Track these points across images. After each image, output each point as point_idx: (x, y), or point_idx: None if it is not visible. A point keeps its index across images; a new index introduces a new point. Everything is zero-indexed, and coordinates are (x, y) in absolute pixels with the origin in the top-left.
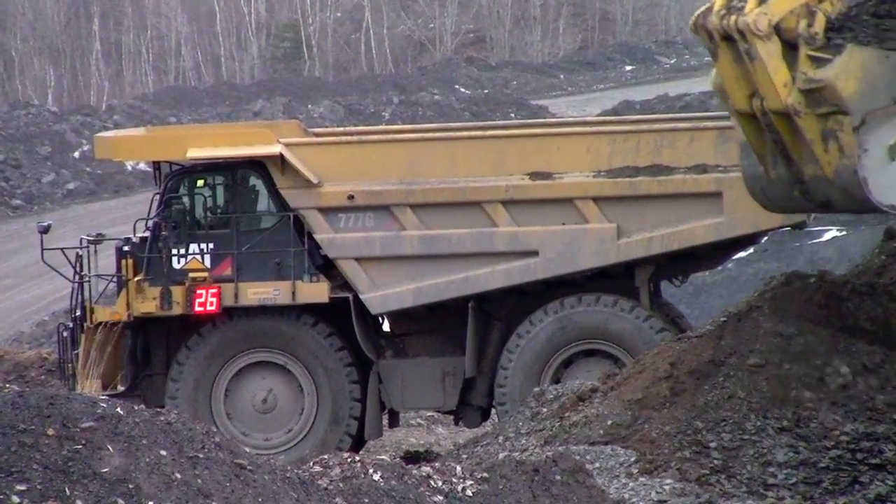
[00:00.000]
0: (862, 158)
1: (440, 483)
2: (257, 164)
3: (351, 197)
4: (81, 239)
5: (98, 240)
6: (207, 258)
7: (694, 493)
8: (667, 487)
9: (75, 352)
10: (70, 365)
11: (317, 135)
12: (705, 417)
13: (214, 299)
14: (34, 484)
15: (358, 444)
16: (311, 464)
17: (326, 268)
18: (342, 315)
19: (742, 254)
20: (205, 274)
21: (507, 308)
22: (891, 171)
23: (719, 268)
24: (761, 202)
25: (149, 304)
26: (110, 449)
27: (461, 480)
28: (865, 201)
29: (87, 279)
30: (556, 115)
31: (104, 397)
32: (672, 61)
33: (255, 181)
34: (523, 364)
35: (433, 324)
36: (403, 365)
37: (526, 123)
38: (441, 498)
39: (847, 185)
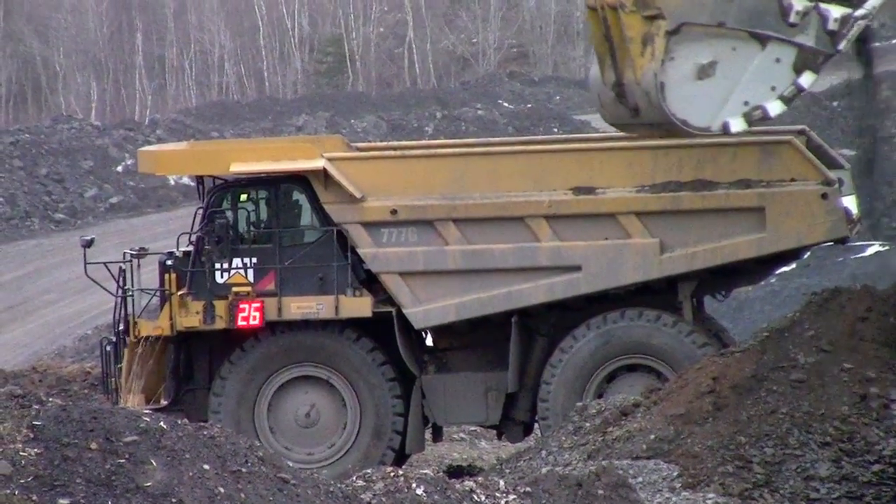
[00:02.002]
0: (666, 64)
1: (483, 497)
2: (300, 179)
3: (394, 212)
4: (124, 253)
5: (141, 254)
6: (251, 272)
7: None
8: (710, 502)
9: (118, 366)
10: (113, 379)
11: (360, 149)
12: (748, 432)
13: (257, 313)
14: (77, 498)
15: (401, 458)
16: (355, 478)
17: (369, 282)
18: (385, 330)
19: (785, 269)
20: (248, 288)
21: (549, 323)
22: (693, 88)
23: (762, 283)
24: (599, 109)
25: (192, 318)
26: (153, 463)
27: (504, 495)
28: (660, 109)
29: (130, 293)
30: (599, 130)
31: (147, 411)
32: None
33: (299, 196)
34: (566, 379)
35: (476, 338)
36: (446, 379)
37: (569, 138)
38: None
39: (648, 89)
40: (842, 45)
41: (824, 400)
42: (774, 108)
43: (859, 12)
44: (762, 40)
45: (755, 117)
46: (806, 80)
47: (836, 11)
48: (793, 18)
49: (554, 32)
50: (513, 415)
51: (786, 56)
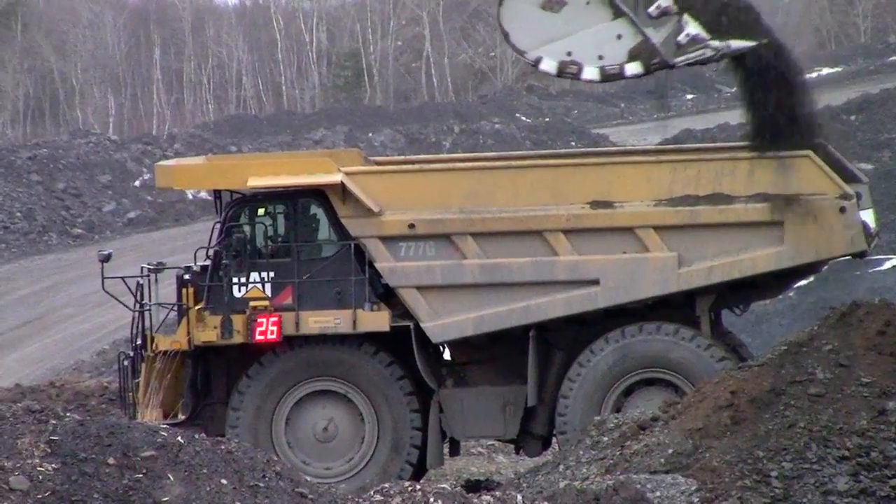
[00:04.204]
0: None
1: None
2: (318, 193)
3: (412, 226)
4: (142, 268)
5: (159, 268)
6: (268, 287)
7: None
8: None
9: (136, 381)
10: (131, 394)
11: (378, 163)
12: (766, 446)
13: (275, 328)
14: None
15: (419, 472)
16: (372, 492)
17: (387, 296)
18: (403, 344)
19: (803, 282)
20: (265, 302)
21: (567, 337)
22: (532, 11)
23: (780, 296)
24: None
25: (209, 332)
26: (171, 478)
27: None
28: (498, 18)
29: (147, 308)
30: (617, 143)
31: (165, 426)
32: (733, 90)
33: (316, 210)
34: (584, 393)
35: (494, 352)
36: (464, 393)
37: (587, 152)
38: None
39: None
40: (678, 61)
41: (843, 414)
42: (590, 73)
43: (713, 43)
44: (617, 12)
45: (568, 71)
46: (632, 69)
47: (693, 29)
48: (654, 11)
49: None
50: (531, 429)
51: (628, 38)
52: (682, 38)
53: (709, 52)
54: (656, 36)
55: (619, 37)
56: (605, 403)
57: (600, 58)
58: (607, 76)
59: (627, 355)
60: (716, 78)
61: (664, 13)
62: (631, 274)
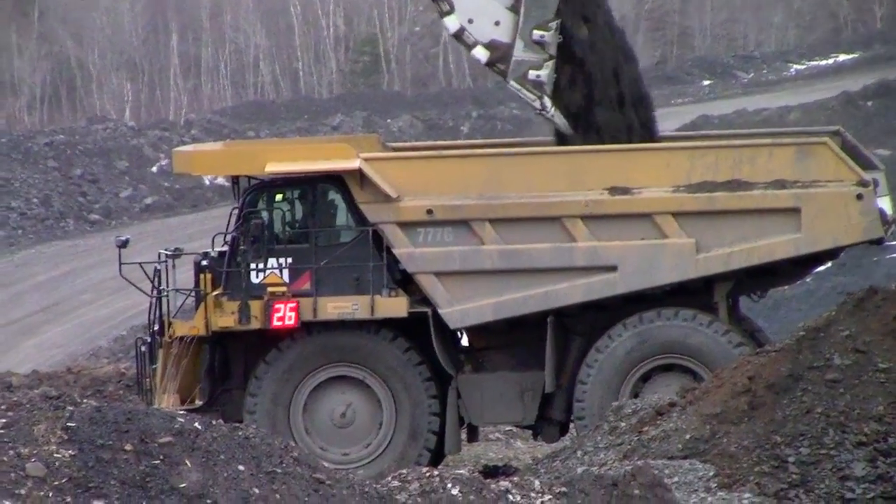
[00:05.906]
0: None
1: (519, 497)
2: (336, 179)
3: (430, 211)
4: (159, 253)
5: (176, 254)
6: (286, 272)
7: None
8: (745, 502)
9: (153, 366)
10: (148, 380)
11: (395, 149)
12: (784, 432)
13: (293, 314)
14: (112, 500)
15: (436, 458)
16: (390, 478)
17: (405, 282)
18: (421, 330)
19: (821, 268)
20: (283, 288)
21: (585, 323)
22: None
23: (798, 282)
24: None
25: (227, 318)
26: (188, 464)
27: (539, 495)
28: None
29: (165, 294)
30: None
31: (182, 412)
32: (750, 76)
33: (334, 195)
34: (602, 378)
35: (512, 338)
36: (482, 379)
37: None
38: None
39: None
40: (513, 85)
41: (860, 400)
42: (450, 23)
43: (546, 102)
44: (515, 4)
45: (441, 6)
46: (479, 53)
47: (545, 76)
48: (535, 35)
49: None
50: (549, 414)
51: (501, 31)
52: (532, 74)
53: (536, 105)
54: (519, 52)
55: (497, 23)
56: (622, 389)
57: (470, 21)
58: (458, 38)
59: (645, 341)
60: (733, 63)
61: (540, 44)
62: (649, 260)
